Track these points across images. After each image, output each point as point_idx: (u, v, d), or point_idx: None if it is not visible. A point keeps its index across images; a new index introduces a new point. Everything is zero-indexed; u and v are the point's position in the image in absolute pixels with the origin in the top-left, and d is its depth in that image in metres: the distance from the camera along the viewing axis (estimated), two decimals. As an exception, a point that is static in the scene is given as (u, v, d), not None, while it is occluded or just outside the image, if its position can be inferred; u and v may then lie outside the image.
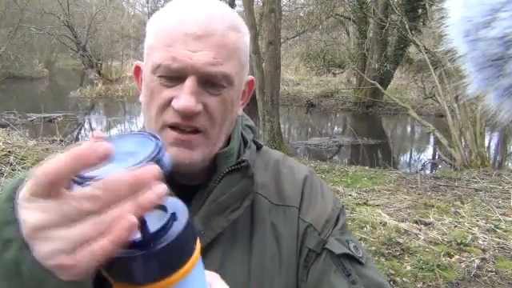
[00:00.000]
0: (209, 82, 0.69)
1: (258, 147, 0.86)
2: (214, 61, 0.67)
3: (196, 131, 0.70)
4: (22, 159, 5.42)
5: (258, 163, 0.83)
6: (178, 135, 0.69)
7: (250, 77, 0.81)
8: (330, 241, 0.76)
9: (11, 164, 5.07)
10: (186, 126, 0.69)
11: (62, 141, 7.85)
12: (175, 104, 0.68)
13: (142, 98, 0.75)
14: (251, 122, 0.90)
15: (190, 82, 0.67)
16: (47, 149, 6.53)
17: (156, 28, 0.71)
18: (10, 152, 5.53)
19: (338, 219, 0.79)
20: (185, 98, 0.67)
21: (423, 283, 3.16)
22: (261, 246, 0.75)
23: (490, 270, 3.34)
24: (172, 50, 0.67)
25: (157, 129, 0.71)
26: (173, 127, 0.70)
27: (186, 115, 0.68)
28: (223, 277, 0.71)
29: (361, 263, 0.75)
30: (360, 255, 0.75)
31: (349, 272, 0.73)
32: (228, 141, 0.80)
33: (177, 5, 0.71)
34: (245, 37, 0.74)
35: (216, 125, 0.71)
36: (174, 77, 0.69)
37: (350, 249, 0.75)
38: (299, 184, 0.81)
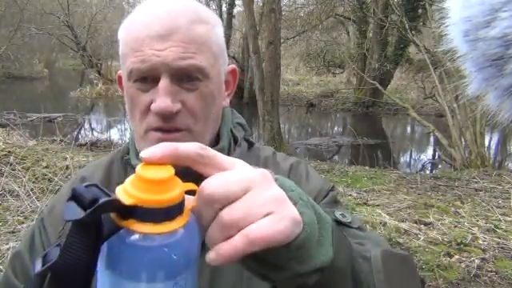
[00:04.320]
0: (183, 78, 0.68)
1: (250, 145, 0.86)
2: (183, 55, 0.67)
3: (180, 130, 0.70)
4: (22, 159, 5.42)
5: (248, 162, 0.81)
6: (161, 135, 0.70)
7: (232, 65, 0.80)
8: None
9: (11, 164, 5.07)
10: (169, 127, 0.69)
11: (61, 141, 7.84)
12: (153, 107, 0.68)
13: (126, 106, 0.75)
14: (242, 120, 0.89)
15: (163, 83, 0.67)
16: (47, 149, 6.53)
17: (124, 35, 0.72)
18: (9, 152, 5.53)
19: (325, 197, 0.77)
20: (160, 99, 0.67)
21: (423, 283, 3.16)
22: None
23: (489, 270, 3.33)
24: (139, 53, 0.67)
25: (141, 133, 0.72)
26: (156, 130, 0.70)
27: (166, 116, 0.68)
28: (217, 277, 0.70)
29: (350, 227, 0.70)
30: (348, 220, 0.70)
31: None
32: (217, 139, 0.79)
33: (141, 8, 0.72)
34: (215, 27, 0.73)
35: (199, 121, 0.71)
36: (148, 79, 0.69)
37: (334, 215, 0.71)
38: (284, 176, 0.80)
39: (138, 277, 0.38)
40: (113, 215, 0.39)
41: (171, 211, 0.39)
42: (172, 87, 0.68)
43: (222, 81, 0.76)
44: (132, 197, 0.38)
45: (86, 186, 0.38)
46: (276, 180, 0.45)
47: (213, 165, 0.43)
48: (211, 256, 0.40)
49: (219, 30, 0.75)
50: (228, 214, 0.40)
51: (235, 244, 0.39)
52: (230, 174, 0.42)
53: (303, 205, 0.45)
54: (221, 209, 0.40)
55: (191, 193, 0.43)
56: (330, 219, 0.50)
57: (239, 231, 0.39)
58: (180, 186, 0.40)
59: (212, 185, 0.40)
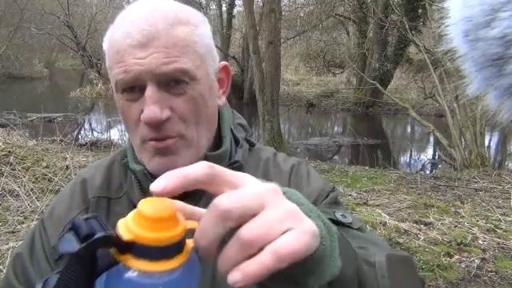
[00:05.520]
0: (170, 83, 0.68)
1: (251, 145, 0.85)
2: (166, 60, 0.66)
3: (172, 137, 0.69)
4: (21, 159, 5.42)
5: (250, 163, 0.82)
6: (155, 144, 0.69)
7: (223, 62, 0.79)
8: None
9: (11, 164, 5.07)
10: (163, 137, 0.68)
11: (62, 141, 7.85)
12: (142, 117, 0.67)
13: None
14: (243, 121, 0.89)
15: (149, 91, 0.66)
16: (47, 149, 6.53)
17: (108, 47, 0.71)
18: (10, 152, 5.53)
19: (326, 198, 0.77)
20: (148, 108, 0.66)
21: (423, 283, 3.16)
22: None
23: (489, 270, 3.34)
24: (122, 64, 0.67)
25: (138, 143, 0.72)
26: (151, 140, 0.70)
27: (155, 125, 0.67)
28: (219, 282, 0.70)
29: (351, 227, 0.70)
30: (349, 221, 0.70)
31: None
32: (219, 141, 0.78)
33: (121, 17, 0.71)
34: (198, 28, 0.72)
35: (191, 125, 0.70)
36: (135, 89, 0.68)
37: (335, 216, 0.71)
38: (286, 177, 0.80)
39: None
40: (112, 249, 0.39)
41: (169, 250, 0.38)
42: (159, 94, 0.67)
43: (213, 80, 0.75)
44: (131, 232, 0.38)
45: (86, 219, 0.38)
46: (284, 193, 0.44)
47: (223, 183, 0.42)
48: (236, 276, 0.38)
49: (203, 30, 0.73)
50: (249, 231, 0.38)
51: (263, 261, 0.37)
52: (244, 190, 0.41)
53: (315, 217, 0.44)
54: (235, 227, 0.39)
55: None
56: (336, 228, 0.49)
57: (261, 249, 0.38)
58: (181, 225, 0.40)
59: (227, 200, 0.39)
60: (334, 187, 0.82)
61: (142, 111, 0.68)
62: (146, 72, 0.66)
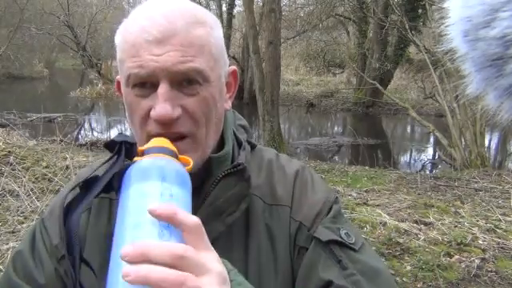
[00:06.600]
0: (183, 82, 0.67)
1: (252, 147, 0.85)
2: (182, 59, 0.65)
3: (182, 137, 0.68)
4: (21, 159, 5.43)
5: (252, 164, 0.81)
6: None
7: (232, 67, 0.79)
8: (319, 229, 0.74)
9: (11, 164, 5.07)
10: (170, 134, 0.67)
11: (61, 141, 7.85)
12: (152, 114, 0.66)
13: (126, 112, 0.74)
14: (244, 122, 0.88)
15: (162, 89, 0.66)
16: (47, 149, 6.54)
17: (121, 40, 0.70)
18: (9, 152, 5.53)
19: (330, 210, 0.78)
20: (160, 105, 0.65)
21: (423, 283, 3.16)
22: (256, 249, 0.74)
23: (489, 270, 3.34)
24: (137, 59, 0.66)
25: (144, 140, 0.70)
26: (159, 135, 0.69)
27: (165, 123, 0.66)
28: None
29: (353, 249, 0.72)
30: (352, 241, 0.73)
31: (339, 258, 0.71)
32: (221, 142, 0.78)
33: (137, 12, 0.70)
34: (214, 30, 0.71)
35: (201, 125, 0.69)
36: (147, 84, 0.67)
37: (340, 236, 0.73)
38: (290, 181, 0.80)
39: (141, 180, 0.57)
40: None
41: (164, 152, 0.61)
42: (171, 92, 0.66)
43: (223, 83, 0.75)
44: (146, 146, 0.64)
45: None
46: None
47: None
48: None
49: (218, 32, 0.73)
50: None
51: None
52: None
53: None
54: None
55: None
56: None
57: None
58: (173, 146, 0.64)
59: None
60: (336, 197, 0.81)
61: (151, 107, 0.67)
62: (161, 69, 0.65)
